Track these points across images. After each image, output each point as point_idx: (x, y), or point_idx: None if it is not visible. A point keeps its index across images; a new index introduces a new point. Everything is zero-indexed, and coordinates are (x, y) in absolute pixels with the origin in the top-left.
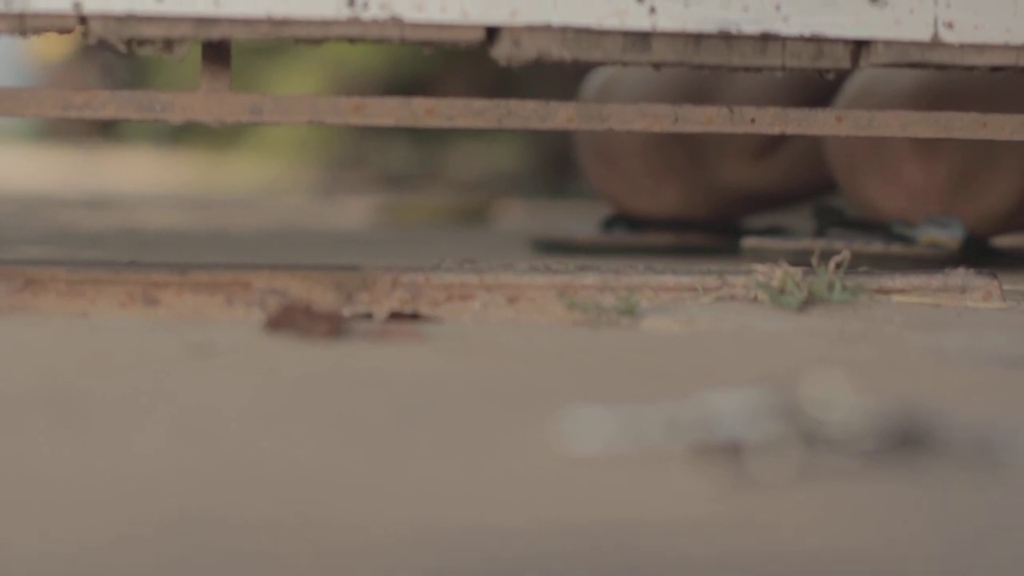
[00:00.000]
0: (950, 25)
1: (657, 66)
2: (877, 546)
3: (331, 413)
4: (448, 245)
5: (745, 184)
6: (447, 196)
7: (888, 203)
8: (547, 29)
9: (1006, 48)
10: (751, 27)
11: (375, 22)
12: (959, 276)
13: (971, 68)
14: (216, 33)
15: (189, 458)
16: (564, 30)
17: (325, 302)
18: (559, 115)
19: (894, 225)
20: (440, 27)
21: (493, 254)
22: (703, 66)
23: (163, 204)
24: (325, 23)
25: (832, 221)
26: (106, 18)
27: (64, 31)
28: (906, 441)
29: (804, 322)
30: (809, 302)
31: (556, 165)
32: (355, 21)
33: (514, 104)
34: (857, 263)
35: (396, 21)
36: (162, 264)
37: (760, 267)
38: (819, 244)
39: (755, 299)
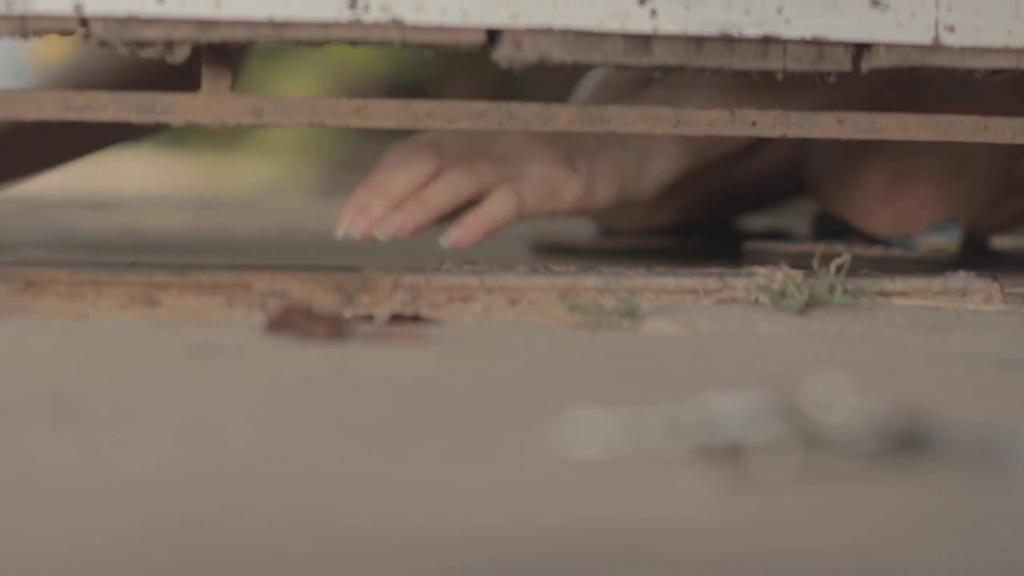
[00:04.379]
0: (951, 28)
1: (658, 69)
2: (878, 548)
3: (332, 415)
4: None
5: (734, 180)
6: None
7: (872, 227)
8: (548, 32)
9: (1007, 51)
10: (752, 30)
11: (376, 24)
12: (960, 279)
13: (972, 71)
14: (217, 35)
15: (190, 461)
16: (565, 33)
17: (326, 304)
18: (560, 117)
19: (892, 238)
20: (441, 29)
21: (494, 256)
22: (704, 69)
23: (163, 206)
24: (326, 25)
25: (831, 230)
26: (107, 20)
27: (65, 33)
28: (906, 443)
29: (805, 325)
30: (810, 305)
31: None
32: (356, 23)
33: (515, 106)
34: (857, 266)
35: (397, 24)
36: (163, 266)
37: (761, 270)
38: (820, 247)
39: (756, 302)
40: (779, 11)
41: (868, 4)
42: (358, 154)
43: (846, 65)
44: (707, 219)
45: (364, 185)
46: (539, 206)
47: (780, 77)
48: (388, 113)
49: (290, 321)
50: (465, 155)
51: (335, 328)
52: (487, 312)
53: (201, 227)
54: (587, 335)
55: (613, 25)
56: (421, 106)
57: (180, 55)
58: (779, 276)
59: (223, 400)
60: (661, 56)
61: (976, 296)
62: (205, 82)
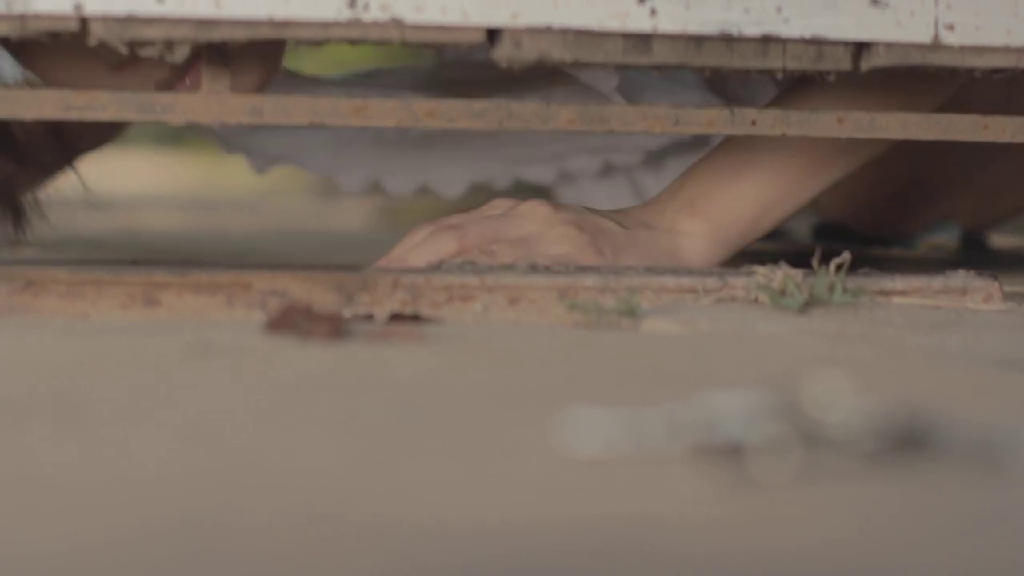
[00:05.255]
0: (951, 27)
1: (658, 68)
2: (878, 547)
3: (332, 414)
4: None
5: None
6: (447, 198)
7: (871, 229)
8: (548, 31)
9: (1006, 50)
10: (752, 29)
11: (376, 24)
12: (960, 278)
13: (971, 70)
14: (217, 35)
15: (190, 459)
16: (565, 32)
17: (326, 303)
18: (560, 117)
19: (891, 238)
20: (441, 29)
21: None
22: (704, 68)
23: (163, 206)
24: (326, 25)
25: (830, 236)
26: (107, 20)
27: (65, 33)
28: (906, 442)
29: (805, 324)
30: (810, 304)
31: None
32: (356, 23)
33: (515, 106)
34: (857, 264)
35: (397, 23)
36: (163, 265)
37: (761, 269)
38: (819, 246)
39: (756, 301)
40: (778, 10)
41: (867, 3)
42: None
43: (846, 64)
44: None
45: (385, 257)
46: None
47: (780, 76)
48: (388, 112)
49: (290, 320)
50: (486, 240)
51: (335, 327)
52: (487, 311)
53: (201, 227)
54: (587, 334)
55: (613, 24)
56: (421, 106)
57: (180, 55)
58: (779, 275)
59: (223, 399)
60: (660, 55)
61: (976, 295)
62: (205, 82)
